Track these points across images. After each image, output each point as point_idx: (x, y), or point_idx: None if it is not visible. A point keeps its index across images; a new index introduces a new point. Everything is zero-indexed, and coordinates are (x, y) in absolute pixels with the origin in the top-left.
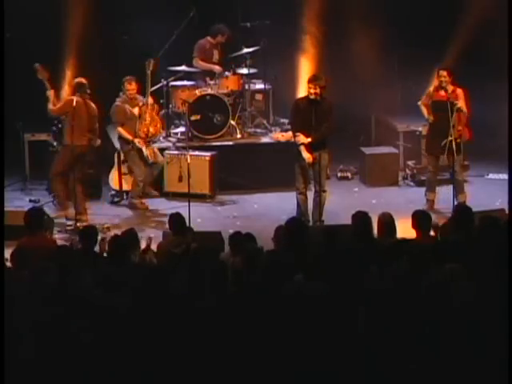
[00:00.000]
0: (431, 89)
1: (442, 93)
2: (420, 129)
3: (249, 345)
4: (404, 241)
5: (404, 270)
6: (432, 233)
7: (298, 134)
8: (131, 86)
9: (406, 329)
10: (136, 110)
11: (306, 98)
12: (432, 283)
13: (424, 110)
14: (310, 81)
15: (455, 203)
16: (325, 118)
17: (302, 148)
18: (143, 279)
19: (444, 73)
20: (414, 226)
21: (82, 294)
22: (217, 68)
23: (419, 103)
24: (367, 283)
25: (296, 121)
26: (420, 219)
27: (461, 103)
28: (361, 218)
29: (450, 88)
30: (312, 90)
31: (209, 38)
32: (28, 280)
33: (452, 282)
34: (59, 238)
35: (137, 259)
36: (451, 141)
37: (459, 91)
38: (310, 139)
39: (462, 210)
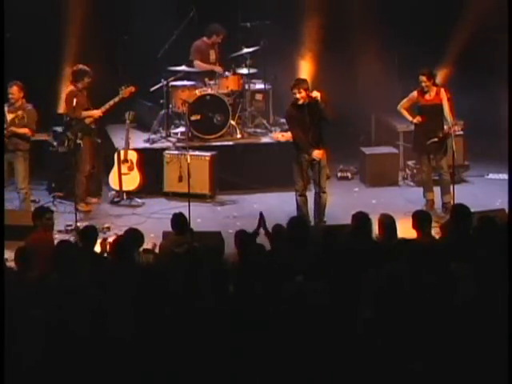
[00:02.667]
0: (415, 93)
1: (428, 96)
2: None
3: (249, 345)
4: (404, 241)
5: (404, 270)
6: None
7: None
8: (11, 90)
9: (406, 329)
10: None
11: (295, 104)
12: (432, 283)
13: (406, 114)
14: (293, 87)
15: (454, 204)
16: (319, 114)
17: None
18: (142, 279)
19: (423, 78)
20: (415, 226)
21: (80, 293)
22: (217, 68)
23: (399, 108)
24: (367, 283)
25: (295, 127)
26: (420, 219)
27: (444, 103)
28: (361, 218)
29: (434, 90)
30: (298, 95)
31: (204, 38)
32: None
33: (452, 281)
34: (59, 238)
35: (137, 259)
36: (436, 142)
37: (442, 92)
38: (320, 153)
39: (459, 210)
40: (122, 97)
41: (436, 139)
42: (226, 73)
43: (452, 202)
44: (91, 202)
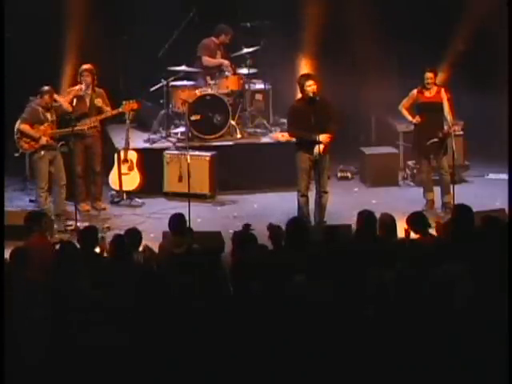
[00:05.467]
0: (415, 91)
1: (428, 94)
2: None
3: (249, 345)
4: (405, 241)
5: (405, 270)
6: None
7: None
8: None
9: (407, 329)
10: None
11: (303, 99)
12: (433, 283)
13: (406, 114)
14: (309, 78)
15: (455, 203)
16: (325, 117)
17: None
18: (142, 279)
19: (431, 74)
20: (413, 230)
21: (80, 293)
22: (225, 62)
23: (400, 108)
24: (369, 283)
25: (296, 125)
26: (414, 222)
27: (444, 103)
28: (366, 216)
29: (434, 89)
30: (313, 87)
31: (213, 38)
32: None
33: (453, 281)
34: (59, 238)
35: (136, 259)
36: (436, 141)
37: (443, 91)
38: (327, 137)
39: (461, 210)
40: (121, 111)
41: (436, 139)
42: (226, 73)
43: (452, 202)
44: (99, 208)
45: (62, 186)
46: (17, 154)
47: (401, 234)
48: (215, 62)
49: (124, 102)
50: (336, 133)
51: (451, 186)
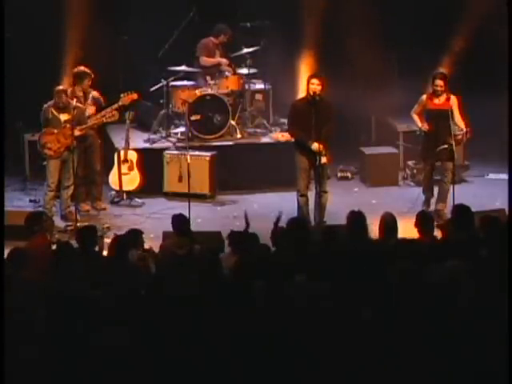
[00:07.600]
0: (424, 97)
1: (437, 101)
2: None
3: (250, 345)
4: (405, 241)
5: (406, 270)
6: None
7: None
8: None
9: (407, 329)
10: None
11: (305, 98)
12: (433, 283)
13: (417, 120)
14: (314, 76)
15: (455, 204)
16: (325, 118)
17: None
18: (143, 280)
19: (441, 82)
20: (417, 225)
21: (79, 293)
22: (224, 61)
23: (411, 114)
24: (369, 283)
25: (296, 124)
26: (423, 219)
27: (455, 110)
28: (355, 217)
29: (444, 95)
30: (316, 86)
31: (211, 37)
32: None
33: (453, 281)
34: (59, 238)
35: (135, 259)
36: (446, 148)
37: (453, 98)
38: (321, 146)
39: (461, 211)
40: (121, 104)
41: (446, 146)
42: (226, 73)
43: (445, 210)
44: (99, 208)
45: (67, 187)
46: (45, 163)
47: (402, 233)
48: (213, 61)
49: (122, 95)
50: (330, 138)
51: (448, 196)
